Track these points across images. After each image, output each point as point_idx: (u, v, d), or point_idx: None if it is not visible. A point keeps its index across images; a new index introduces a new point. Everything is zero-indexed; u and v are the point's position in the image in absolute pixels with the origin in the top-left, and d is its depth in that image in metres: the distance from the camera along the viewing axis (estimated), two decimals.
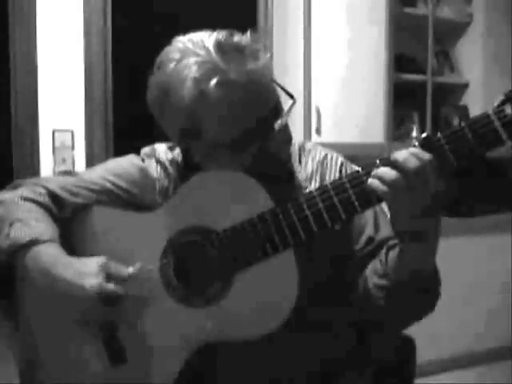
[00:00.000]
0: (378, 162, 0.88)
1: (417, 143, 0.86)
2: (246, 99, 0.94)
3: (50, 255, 0.99)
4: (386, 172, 0.84)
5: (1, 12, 2.44)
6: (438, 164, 0.84)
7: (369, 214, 1.07)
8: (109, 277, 0.97)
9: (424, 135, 0.86)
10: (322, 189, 0.91)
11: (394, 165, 0.84)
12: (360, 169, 0.90)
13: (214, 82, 0.93)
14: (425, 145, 0.85)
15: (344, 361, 1.07)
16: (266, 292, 0.94)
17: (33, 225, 1.01)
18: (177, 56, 0.96)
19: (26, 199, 1.05)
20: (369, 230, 1.07)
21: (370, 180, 0.86)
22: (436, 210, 0.87)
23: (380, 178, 0.85)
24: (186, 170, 1.11)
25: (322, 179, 1.10)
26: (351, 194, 0.89)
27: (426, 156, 0.84)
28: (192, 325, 0.98)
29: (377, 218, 1.08)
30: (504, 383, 2.67)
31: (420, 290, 0.95)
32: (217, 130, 0.97)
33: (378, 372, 1.17)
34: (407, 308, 0.99)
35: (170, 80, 0.96)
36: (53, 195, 1.08)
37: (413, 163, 0.83)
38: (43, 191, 1.08)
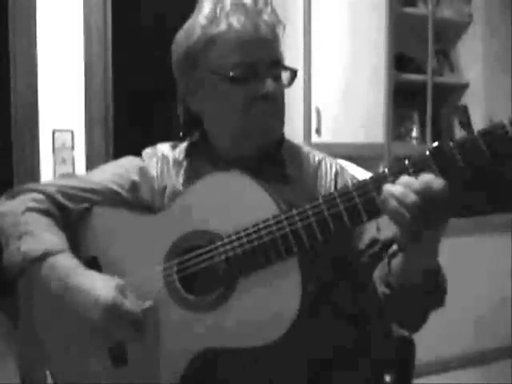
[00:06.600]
0: (386, 171, 0.84)
1: (428, 153, 0.82)
2: (254, 31, 1.02)
3: (67, 265, 1.00)
4: (407, 194, 0.79)
5: (1, 12, 2.44)
6: (450, 175, 0.80)
7: None
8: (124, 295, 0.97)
9: (435, 144, 0.81)
10: (328, 196, 0.89)
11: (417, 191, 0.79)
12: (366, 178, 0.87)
13: (229, 1, 1.02)
14: (436, 154, 0.81)
15: (343, 360, 1.07)
16: (267, 301, 0.92)
17: (42, 236, 1.01)
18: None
19: (28, 209, 1.05)
20: (372, 231, 1.05)
21: (390, 201, 0.81)
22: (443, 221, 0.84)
23: (399, 200, 0.80)
24: (187, 168, 1.12)
25: (315, 186, 1.08)
26: (358, 203, 0.86)
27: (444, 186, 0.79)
28: (192, 329, 0.97)
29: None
30: (504, 383, 2.67)
31: (426, 292, 0.92)
32: (221, 55, 1.02)
33: (377, 371, 1.17)
34: (415, 312, 0.98)
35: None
36: (54, 201, 1.08)
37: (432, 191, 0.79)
38: (43, 198, 1.07)
